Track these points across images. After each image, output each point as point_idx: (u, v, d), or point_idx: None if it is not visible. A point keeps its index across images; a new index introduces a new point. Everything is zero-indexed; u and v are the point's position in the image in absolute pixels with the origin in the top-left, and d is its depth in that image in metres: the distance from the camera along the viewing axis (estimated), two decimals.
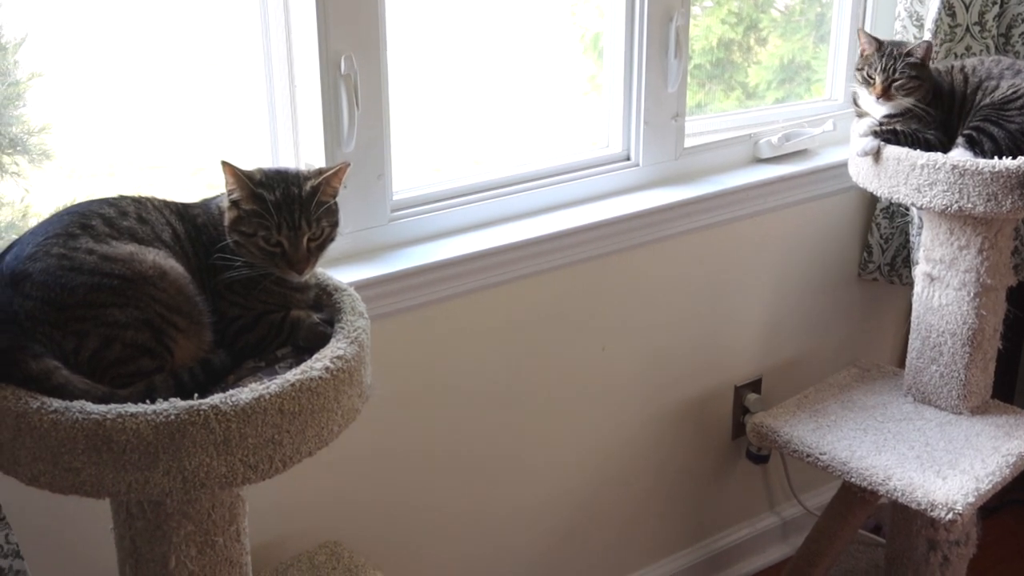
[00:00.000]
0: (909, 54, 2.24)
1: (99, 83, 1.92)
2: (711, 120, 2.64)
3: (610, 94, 2.38)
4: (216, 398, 1.29)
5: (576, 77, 2.59)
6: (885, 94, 2.25)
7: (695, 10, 2.58)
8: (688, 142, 2.47)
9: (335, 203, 1.55)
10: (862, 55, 2.32)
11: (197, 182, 2.01)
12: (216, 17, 1.99)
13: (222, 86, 2.06)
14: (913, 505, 2.12)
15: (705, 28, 2.65)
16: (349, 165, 1.57)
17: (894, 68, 2.24)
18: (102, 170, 1.95)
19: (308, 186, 1.50)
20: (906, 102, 2.25)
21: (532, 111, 2.50)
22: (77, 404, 1.27)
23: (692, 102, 2.54)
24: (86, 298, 1.35)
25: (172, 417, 1.26)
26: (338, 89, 1.90)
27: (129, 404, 1.28)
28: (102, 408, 1.27)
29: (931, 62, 2.29)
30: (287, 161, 1.96)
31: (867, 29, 2.55)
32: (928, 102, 2.27)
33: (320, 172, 1.53)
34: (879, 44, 2.29)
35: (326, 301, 1.58)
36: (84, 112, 1.91)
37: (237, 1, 1.94)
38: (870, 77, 2.27)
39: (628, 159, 2.40)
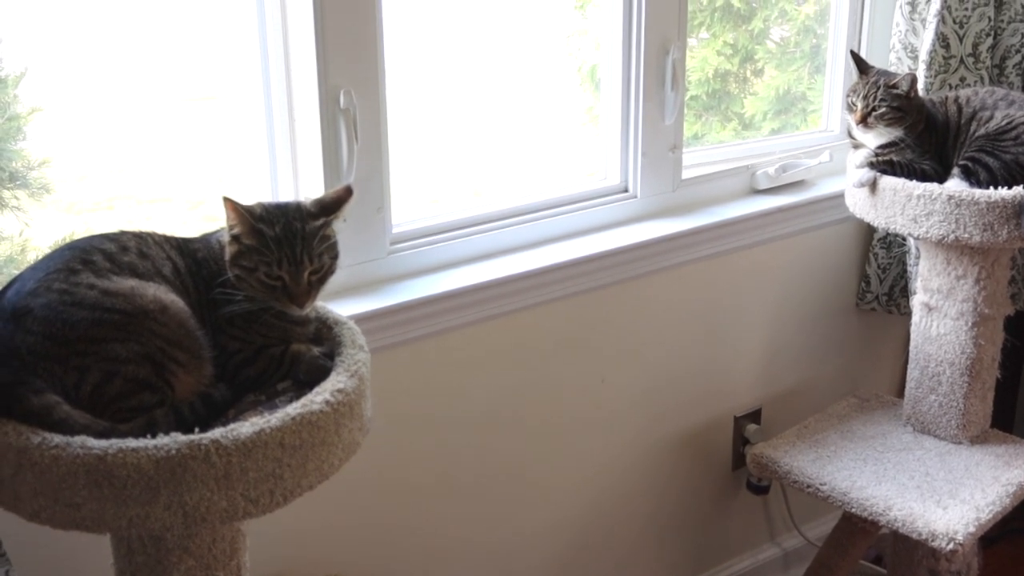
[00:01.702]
0: (894, 86, 2.25)
1: (99, 117, 1.93)
2: (708, 151, 2.65)
3: (607, 126, 2.39)
4: (217, 432, 1.29)
5: (574, 109, 2.60)
6: (864, 122, 2.26)
7: (691, 42, 2.59)
8: (685, 173, 2.48)
9: (335, 236, 1.55)
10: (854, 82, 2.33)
11: (197, 215, 2.01)
12: (216, 51, 2.00)
13: (222, 120, 2.07)
14: (914, 535, 2.12)
15: (701, 59, 2.66)
16: (350, 188, 1.57)
17: (876, 97, 2.25)
18: (102, 204, 1.95)
19: (315, 223, 1.51)
20: (889, 132, 2.26)
21: (530, 143, 2.51)
22: (78, 439, 1.27)
23: (689, 133, 2.56)
24: (87, 333, 1.35)
25: (173, 451, 1.26)
26: (337, 123, 1.91)
27: (130, 439, 1.28)
28: (103, 443, 1.26)
29: (918, 94, 2.28)
30: (287, 195, 1.97)
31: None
32: (919, 133, 2.27)
33: (322, 204, 1.53)
34: (867, 71, 2.31)
35: (326, 334, 1.59)
36: (84, 146, 1.92)
37: (237, 35, 1.96)
38: (854, 104, 2.29)
39: (626, 191, 2.41)
